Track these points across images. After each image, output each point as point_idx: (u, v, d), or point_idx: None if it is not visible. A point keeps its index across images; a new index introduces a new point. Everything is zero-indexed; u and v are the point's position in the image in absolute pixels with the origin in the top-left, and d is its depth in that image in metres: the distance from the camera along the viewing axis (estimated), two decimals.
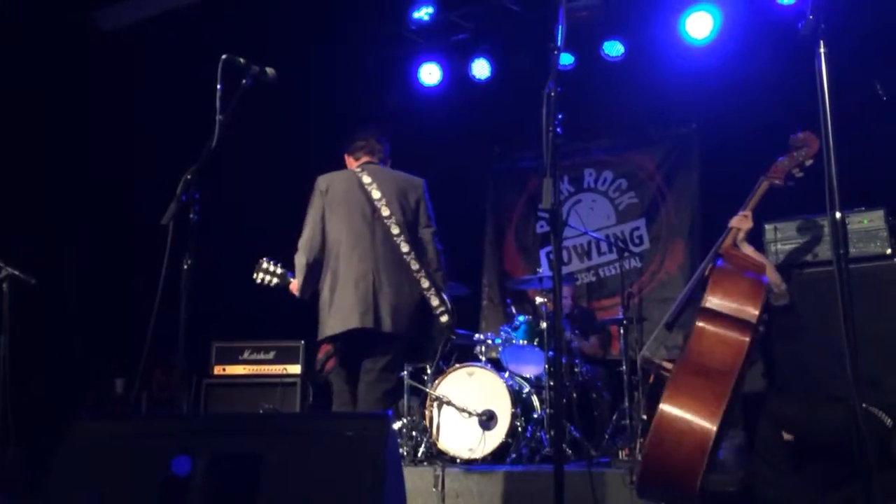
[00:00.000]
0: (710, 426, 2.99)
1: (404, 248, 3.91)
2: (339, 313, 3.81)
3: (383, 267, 3.87)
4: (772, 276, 3.53)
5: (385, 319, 3.79)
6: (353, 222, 3.93)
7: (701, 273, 3.71)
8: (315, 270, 3.98)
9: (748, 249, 3.69)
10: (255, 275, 4.15)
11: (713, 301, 3.34)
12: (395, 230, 3.92)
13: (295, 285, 4.03)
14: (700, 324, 3.33)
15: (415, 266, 3.91)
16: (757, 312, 3.27)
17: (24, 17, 5.87)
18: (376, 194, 3.97)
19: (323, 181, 4.03)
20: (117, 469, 2.33)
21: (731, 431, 3.70)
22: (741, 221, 3.75)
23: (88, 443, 2.39)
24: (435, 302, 3.91)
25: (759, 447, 3.32)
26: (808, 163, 3.71)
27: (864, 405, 2.98)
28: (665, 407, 3.09)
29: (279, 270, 4.12)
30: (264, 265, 4.15)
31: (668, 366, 3.61)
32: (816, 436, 3.33)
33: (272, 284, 4.13)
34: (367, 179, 4.00)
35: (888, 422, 3.23)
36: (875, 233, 4.19)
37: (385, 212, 3.94)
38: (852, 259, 3.97)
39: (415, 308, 3.89)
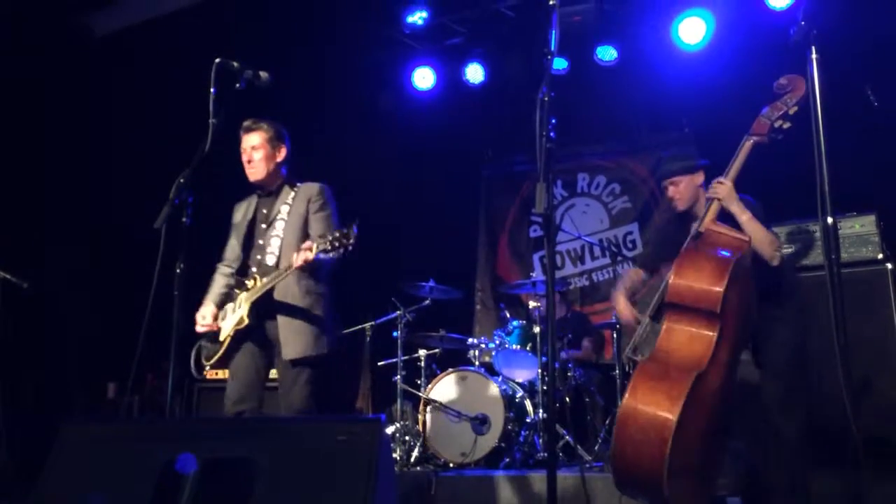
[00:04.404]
0: (668, 416, 2.91)
1: None
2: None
3: None
4: (765, 249, 3.37)
5: None
6: None
7: None
8: None
9: (722, 228, 3.34)
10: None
11: (672, 293, 3.19)
12: None
13: None
14: (666, 322, 3.24)
15: None
16: (721, 290, 3.05)
17: (17, 23, 5.87)
18: None
19: None
20: (106, 473, 2.32)
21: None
22: (718, 189, 3.39)
23: (77, 447, 2.37)
24: None
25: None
26: (794, 110, 3.34)
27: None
28: (624, 402, 3.06)
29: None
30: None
31: None
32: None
33: None
34: None
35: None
36: (867, 238, 4.20)
37: None
38: (844, 264, 3.98)
39: None
